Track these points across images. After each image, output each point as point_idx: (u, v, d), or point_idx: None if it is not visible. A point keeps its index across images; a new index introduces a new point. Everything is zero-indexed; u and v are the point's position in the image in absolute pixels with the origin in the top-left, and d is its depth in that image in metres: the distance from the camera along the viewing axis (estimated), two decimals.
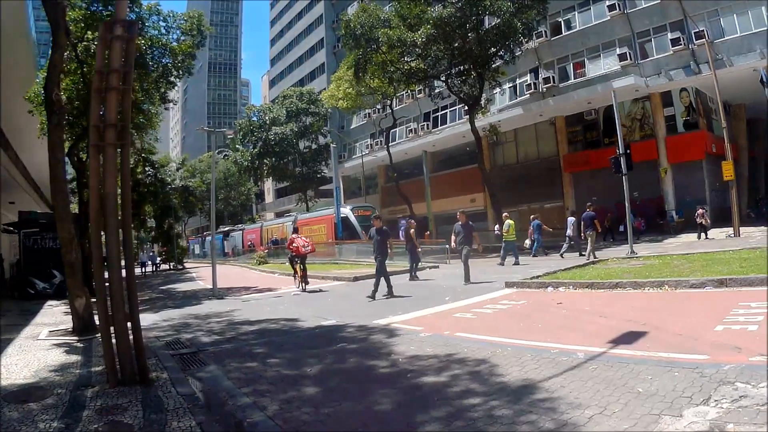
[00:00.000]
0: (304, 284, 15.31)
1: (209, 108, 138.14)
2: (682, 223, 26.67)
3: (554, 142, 32.81)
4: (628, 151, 16.91)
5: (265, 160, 50.61)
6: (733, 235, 20.69)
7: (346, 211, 31.48)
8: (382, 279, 11.89)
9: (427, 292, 12.20)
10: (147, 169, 45.28)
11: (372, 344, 7.14)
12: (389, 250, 12.91)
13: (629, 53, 28.38)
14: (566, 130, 32.23)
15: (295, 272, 15.95)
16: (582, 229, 17.37)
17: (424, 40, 25.33)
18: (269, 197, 77.79)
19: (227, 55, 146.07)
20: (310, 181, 51.80)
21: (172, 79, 23.87)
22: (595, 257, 16.05)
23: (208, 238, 62.23)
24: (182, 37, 22.48)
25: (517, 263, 17.30)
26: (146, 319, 10.37)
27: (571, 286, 10.50)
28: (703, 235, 21.67)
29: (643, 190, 28.25)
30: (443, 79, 28.99)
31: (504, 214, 19.51)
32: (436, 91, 30.73)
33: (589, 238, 16.60)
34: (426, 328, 7.86)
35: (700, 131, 27.24)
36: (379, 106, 42.12)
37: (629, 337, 5.97)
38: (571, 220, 18.49)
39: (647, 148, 28.18)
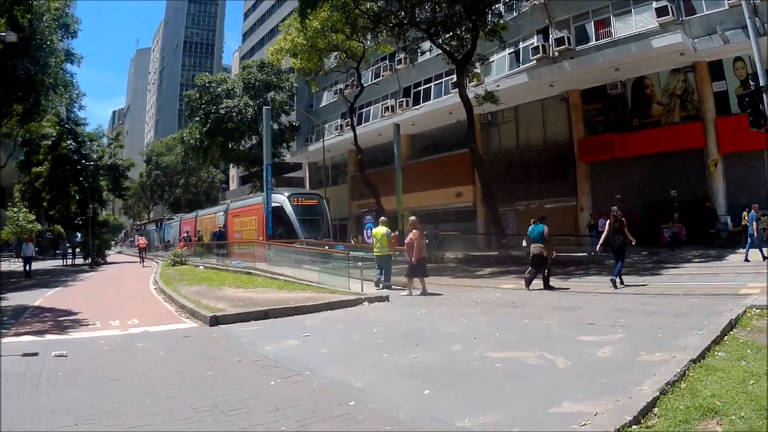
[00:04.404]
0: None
1: (182, 89, 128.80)
2: (737, 233, 19.54)
3: (567, 123, 25.20)
4: None
5: (216, 138, 41.90)
6: None
7: (281, 198, 22.87)
8: None
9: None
10: (70, 143, 37.48)
11: None
12: None
13: (670, 7, 20.96)
14: (582, 108, 24.66)
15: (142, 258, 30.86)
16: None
17: None
18: (234, 184, 69.82)
19: (205, 35, 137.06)
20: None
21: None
22: None
23: (148, 228, 54.12)
24: None
25: (389, 286, 12.91)
26: None
27: None
28: None
29: (684, 188, 21.17)
30: (424, 27, 21.46)
31: (381, 219, 14.10)
32: (415, 44, 23.06)
33: None
34: None
35: None
36: (353, 79, 34.25)
37: None
38: (753, 215, 15.38)
39: (691, 132, 21.11)
